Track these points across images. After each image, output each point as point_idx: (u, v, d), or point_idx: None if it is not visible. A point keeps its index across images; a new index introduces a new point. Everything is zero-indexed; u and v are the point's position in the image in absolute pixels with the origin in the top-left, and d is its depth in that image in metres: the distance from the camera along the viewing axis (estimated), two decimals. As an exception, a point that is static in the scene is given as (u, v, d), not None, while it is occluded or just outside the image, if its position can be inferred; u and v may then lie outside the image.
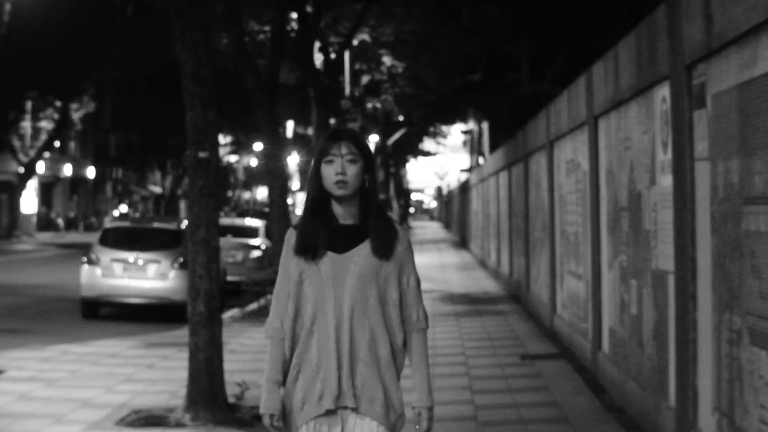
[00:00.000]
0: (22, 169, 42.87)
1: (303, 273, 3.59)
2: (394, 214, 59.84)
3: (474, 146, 53.61)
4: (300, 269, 3.60)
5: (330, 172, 3.56)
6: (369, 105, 32.93)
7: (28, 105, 41.13)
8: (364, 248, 3.59)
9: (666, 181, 6.51)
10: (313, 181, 3.62)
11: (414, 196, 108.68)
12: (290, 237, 3.66)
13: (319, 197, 3.60)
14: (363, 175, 3.59)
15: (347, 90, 27.82)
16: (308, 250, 3.57)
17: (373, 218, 3.62)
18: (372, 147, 35.01)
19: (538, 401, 8.31)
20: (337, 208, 3.61)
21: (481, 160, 40.45)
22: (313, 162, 3.65)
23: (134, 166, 56.75)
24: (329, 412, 3.55)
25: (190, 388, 7.90)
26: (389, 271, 3.61)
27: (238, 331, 13.14)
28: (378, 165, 39.80)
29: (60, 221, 54.14)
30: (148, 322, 14.34)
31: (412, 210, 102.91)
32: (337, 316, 3.55)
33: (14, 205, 44.63)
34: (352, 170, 3.55)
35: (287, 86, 25.22)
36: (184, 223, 14.51)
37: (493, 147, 33.02)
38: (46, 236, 47.09)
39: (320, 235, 3.58)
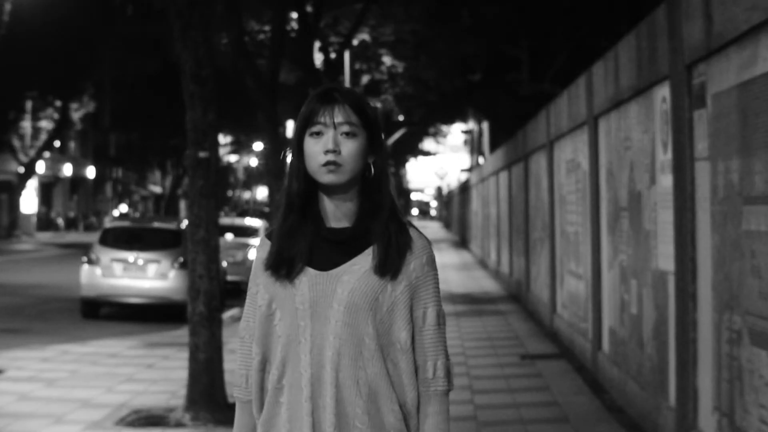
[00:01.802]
0: (22, 169, 42.89)
1: (274, 300, 2.46)
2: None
3: (474, 146, 53.63)
4: (270, 295, 2.47)
5: (316, 150, 2.41)
6: (369, 105, 32.86)
7: (28, 105, 41.15)
8: (360, 263, 2.43)
9: (666, 180, 6.51)
10: (294, 164, 2.48)
11: (414, 196, 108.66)
12: (261, 247, 2.54)
13: (302, 188, 2.46)
14: (365, 156, 2.45)
15: (347, 90, 27.76)
16: (282, 264, 2.45)
17: (380, 219, 2.45)
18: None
19: (538, 401, 8.31)
20: (327, 204, 2.47)
21: (481, 160, 40.46)
22: (293, 135, 2.50)
23: (134, 166, 56.77)
24: None
25: (190, 388, 7.90)
26: (397, 297, 2.44)
27: (237, 331, 13.13)
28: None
29: (60, 221, 54.17)
30: (148, 322, 14.34)
31: (415, 212, 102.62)
32: (314, 364, 2.38)
33: (14, 204, 44.66)
34: (349, 147, 2.41)
35: (287, 86, 25.22)
36: (184, 223, 14.51)
37: (493, 147, 33.03)
38: (46, 236, 47.12)
39: (299, 244, 2.45)
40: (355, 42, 25.78)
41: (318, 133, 2.43)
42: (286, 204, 2.49)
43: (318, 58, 23.26)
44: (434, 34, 25.43)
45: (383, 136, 2.51)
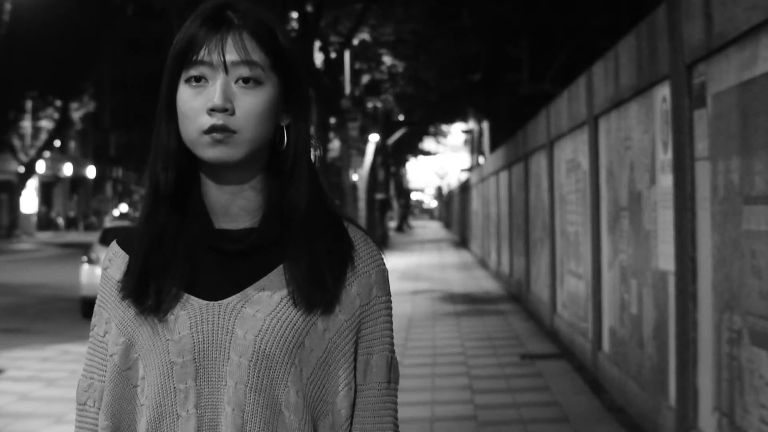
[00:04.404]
0: (22, 169, 42.96)
1: (133, 347, 1.55)
2: (394, 214, 59.81)
3: (474, 146, 53.64)
4: (128, 338, 1.56)
5: (195, 107, 1.46)
6: (369, 105, 32.95)
7: (28, 105, 41.22)
8: (273, 287, 1.51)
9: (666, 180, 6.51)
10: (162, 132, 1.52)
11: (414, 196, 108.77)
12: (112, 261, 1.66)
13: (174, 170, 1.51)
14: (276, 117, 1.51)
15: (347, 90, 27.82)
16: (146, 290, 1.53)
17: (299, 216, 1.52)
18: (372, 146, 35.09)
19: (538, 401, 8.31)
20: (215, 194, 1.54)
21: (481, 160, 40.47)
22: (162, 83, 1.52)
23: (134, 166, 56.90)
24: None
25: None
26: (332, 340, 1.52)
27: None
28: (378, 164, 39.73)
29: (60, 221, 54.22)
30: (148, 321, 14.35)
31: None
32: None
33: (14, 204, 44.73)
34: (248, 104, 1.46)
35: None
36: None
37: (493, 147, 33.05)
38: (46, 236, 47.17)
39: (174, 256, 1.54)
40: (355, 42, 25.81)
41: (198, 79, 1.47)
42: (151, 194, 1.54)
43: (318, 58, 23.29)
44: (434, 33, 25.47)
45: (307, 85, 1.60)
